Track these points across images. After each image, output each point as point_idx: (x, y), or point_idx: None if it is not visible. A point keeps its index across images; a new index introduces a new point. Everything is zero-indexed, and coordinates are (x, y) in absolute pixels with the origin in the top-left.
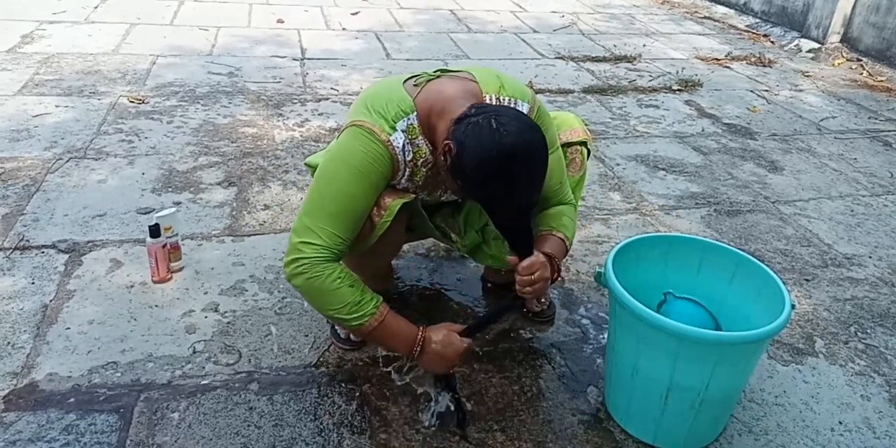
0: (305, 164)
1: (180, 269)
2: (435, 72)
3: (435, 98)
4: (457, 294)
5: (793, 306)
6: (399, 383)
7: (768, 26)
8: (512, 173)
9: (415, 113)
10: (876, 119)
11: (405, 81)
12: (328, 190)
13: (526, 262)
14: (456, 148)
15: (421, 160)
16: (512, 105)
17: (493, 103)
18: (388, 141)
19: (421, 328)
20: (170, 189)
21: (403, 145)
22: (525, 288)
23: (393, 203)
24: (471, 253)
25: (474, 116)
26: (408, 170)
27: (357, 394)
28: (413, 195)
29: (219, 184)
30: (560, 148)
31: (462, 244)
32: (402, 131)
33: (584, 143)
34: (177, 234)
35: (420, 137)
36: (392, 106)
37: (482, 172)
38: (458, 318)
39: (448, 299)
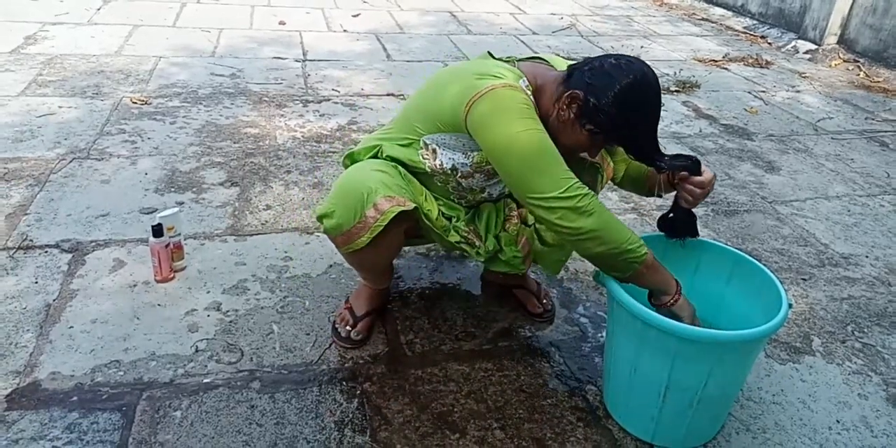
0: (345, 155)
1: (183, 269)
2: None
3: (532, 70)
4: (457, 294)
5: (790, 305)
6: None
7: (765, 28)
8: (650, 96)
9: (524, 77)
10: (872, 120)
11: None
12: (524, 144)
13: (707, 176)
14: (584, 91)
15: None
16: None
17: None
18: (521, 88)
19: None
20: (172, 189)
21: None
22: (696, 198)
23: (390, 209)
24: (486, 260)
25: (585, 65)
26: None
27: (358, 392)
28: (414, 205)
29: (221, 184)
30: None
31: (485, 250)
32: (524, 87)
33: None
34: (179, 234)
35: (532, 97)
36: (505, 71)
37: (626, 98)
38: (457, 318)
39: (448, 299)
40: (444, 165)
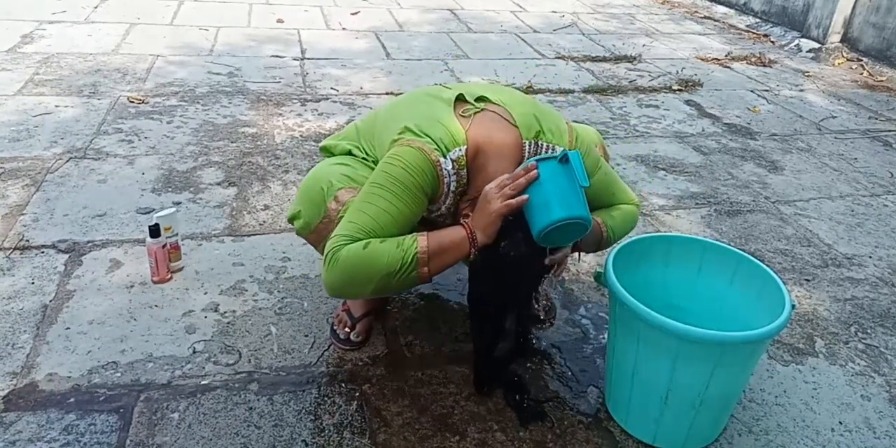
0: (321, 148)
1: (180, 269)
2: (477, 101)
3: (484, 141)
4: (457, 294)
5: (793, 306)
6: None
7: (768, 26)
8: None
9: (466, 146)
10: (876, 119)
11: (452, 106)
12: (366, 196)
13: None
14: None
15: (459, 189)
16: (549, 150)
17: (531, 152)
18: (438, 162)
19: (462, 223)
20: (170, 189)
21: (449, 173)
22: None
23: (350, 199)
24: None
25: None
26: (449, 199)
27: (357, 394)
28: None
29: (219, 184)
30: (603, 167)
31: None
32: (452, 160)
33: None
34: (177, 234)
35: (464, 170)
36: (447, 135)
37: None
38: (457, 319)
39: (448, 299)
40: None
